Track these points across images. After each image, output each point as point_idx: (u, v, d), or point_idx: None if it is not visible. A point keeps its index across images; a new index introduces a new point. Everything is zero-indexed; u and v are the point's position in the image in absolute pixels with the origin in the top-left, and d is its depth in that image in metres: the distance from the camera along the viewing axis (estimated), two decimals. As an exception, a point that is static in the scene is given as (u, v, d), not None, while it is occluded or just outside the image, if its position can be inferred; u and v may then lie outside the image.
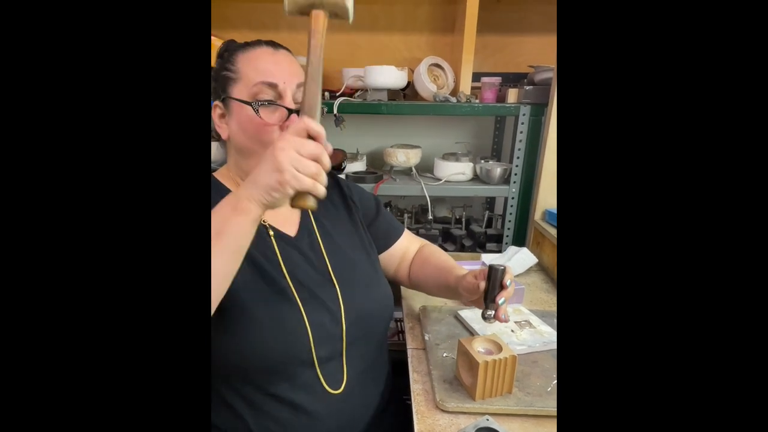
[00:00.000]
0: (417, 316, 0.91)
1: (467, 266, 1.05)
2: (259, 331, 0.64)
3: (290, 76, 0.67)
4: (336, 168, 1.33)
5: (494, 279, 0.66)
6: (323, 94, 1.36)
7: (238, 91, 0.68)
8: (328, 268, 0.74)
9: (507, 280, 0.67)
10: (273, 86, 0.66)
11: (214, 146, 1.38)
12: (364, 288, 0.75)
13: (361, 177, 1.33)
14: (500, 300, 0.66)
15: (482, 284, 0.68)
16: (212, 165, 1.38)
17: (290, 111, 0.66)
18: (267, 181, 0.50)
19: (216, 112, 0.72)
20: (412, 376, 0.73)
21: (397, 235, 0.90)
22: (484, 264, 1.05)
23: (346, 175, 1.34)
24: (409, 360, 0.78)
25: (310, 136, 0.51)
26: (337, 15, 0.55)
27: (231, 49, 0.71)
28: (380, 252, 0.88)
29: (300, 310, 0.66)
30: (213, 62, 0.75)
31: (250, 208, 0.51)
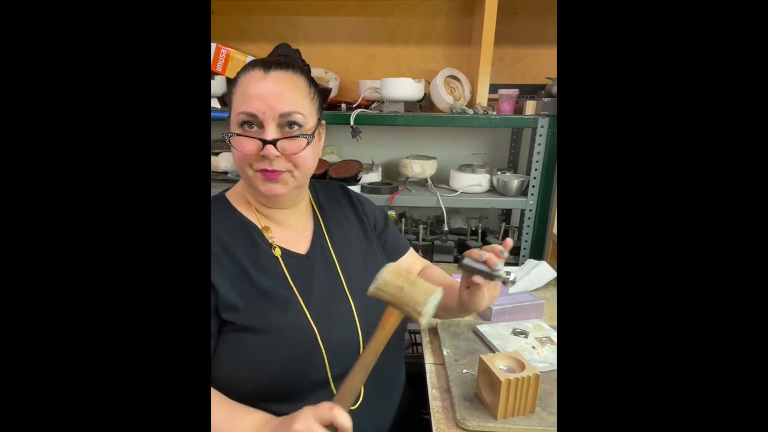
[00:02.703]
0: (434, 330, 0.90)
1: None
2: (272, 356, 0.63)
3: (274, 103, 0.64)
4: (351, 178, 1.33)
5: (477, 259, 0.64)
6: (340, 106, 1.37)
7: (232, 115, 0.67)
8: (342, 282, 0.73)
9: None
10: (253, 116, 0.64)
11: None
12: (381, 302, 0.74)
13: (377, 188, 1.33)
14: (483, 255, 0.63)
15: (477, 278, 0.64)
16: (229, 175, 1.39)
17: (265, 142, 0.63)
18: None
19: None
20: (431, 392, 0.72)
21: (402, 252, 0.89)
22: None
23: (362, 186, 1.34)
24: (428, 376, 0.76)
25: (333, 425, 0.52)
26: (409, 317, 0.56)
27: (242, 68, 0.69)
28: None
29: (314, 330, 0.65)
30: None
31: None
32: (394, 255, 0.88)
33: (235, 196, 0.75)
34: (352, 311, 0.70)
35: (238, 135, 0.65)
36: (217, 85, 1.34)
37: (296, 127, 0.66)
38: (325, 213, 0.81)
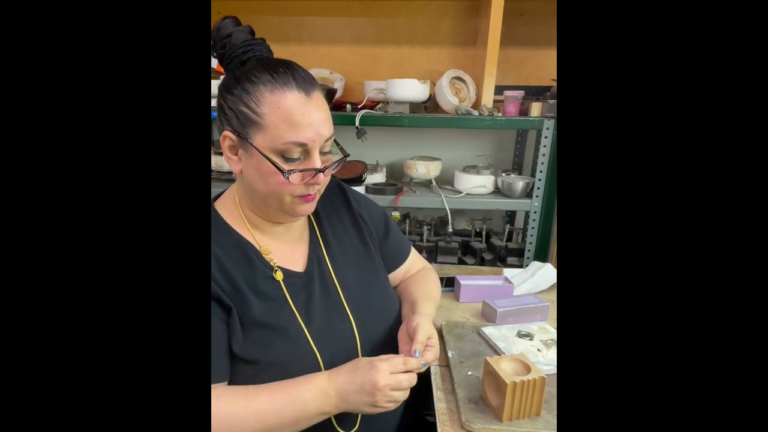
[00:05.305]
0: (439, 332, 0.90)
1: (488, 281, 1.03)
2: (273, 379, 0.61)
3: (321, 131, 0.60)
4: (356, 179, 1.33)
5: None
6: (345, 107, 1.37)
7: (262, 139, 0.59)
8: (341, 298, 0.70)
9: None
10: (303, 145, 0.60)
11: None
12: (380, 315, 0.73)
13: (381, 189, 1.33)
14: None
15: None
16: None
17: (316, 171, 0.61)
18: (358, 405, 0.59)
19: (226, 143, 0.64)
20: (436, 394, 0.72)
21: (405, 257, 0.87)
22: (506, 280, 1.03)
23: (366, 187, 1.34)
24: (433, 377, 0.76)
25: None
26: None
27: (254, 79, 0.59)
28: (387, 273, 0.85)
29: (316, 358, 0.63)
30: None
31: (332, 412, 0.61)
32: (398, 261, 0.86)
33: (226, 212, 0.70)
34: (353, 329, 0.68)
35: (294, 171, 0.60)
36: (223, 85, 1.34)
37: (329, 148, 0.64)
38: (322, 220, 0.77)
